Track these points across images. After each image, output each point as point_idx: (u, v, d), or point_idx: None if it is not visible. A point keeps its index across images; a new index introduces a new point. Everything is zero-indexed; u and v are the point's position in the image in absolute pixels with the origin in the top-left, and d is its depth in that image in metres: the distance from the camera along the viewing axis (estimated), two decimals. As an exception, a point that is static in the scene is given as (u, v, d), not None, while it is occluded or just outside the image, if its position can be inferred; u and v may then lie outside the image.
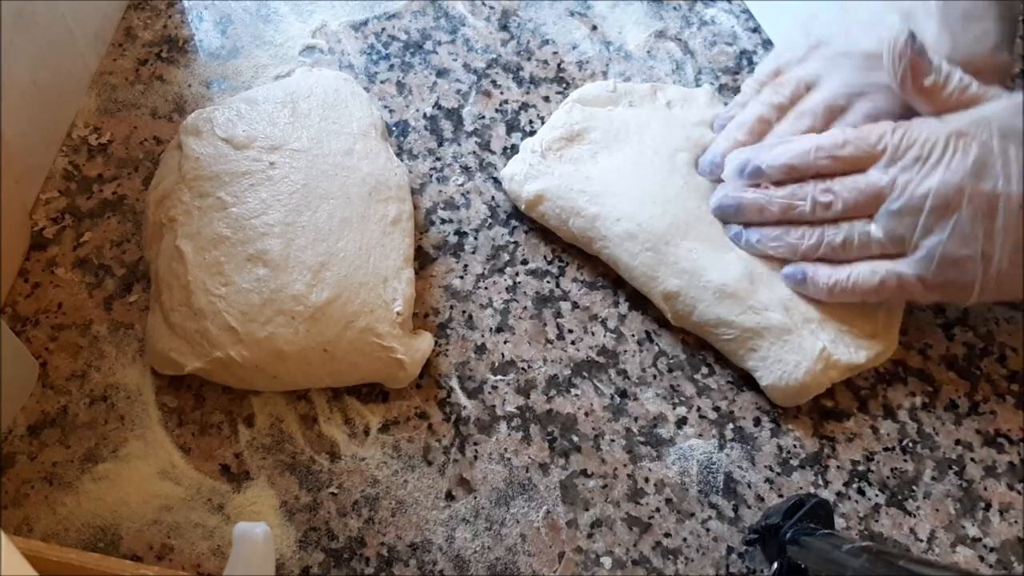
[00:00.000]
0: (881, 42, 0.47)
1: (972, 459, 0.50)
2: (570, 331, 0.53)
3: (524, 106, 0.60)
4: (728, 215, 0.52)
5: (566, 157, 0.55)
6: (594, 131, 0.55)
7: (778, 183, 0.50)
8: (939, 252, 0.45)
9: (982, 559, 0.47)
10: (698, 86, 0.62)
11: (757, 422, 0.50)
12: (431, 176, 0.58)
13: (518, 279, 0.54)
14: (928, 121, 0.47)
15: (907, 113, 0.48)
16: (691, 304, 0.50)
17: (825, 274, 0.49)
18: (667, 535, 0.47)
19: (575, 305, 0.54)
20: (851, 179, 0.48)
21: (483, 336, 0.53)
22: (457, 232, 0.56)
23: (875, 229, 0.47)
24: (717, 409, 0.51)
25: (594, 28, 0.63)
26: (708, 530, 0.48)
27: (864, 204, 0.47)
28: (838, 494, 0.49)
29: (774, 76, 0.53)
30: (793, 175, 0.49)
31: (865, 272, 0.48)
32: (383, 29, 0.63)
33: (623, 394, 0.51)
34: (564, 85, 0.61)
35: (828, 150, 0.48)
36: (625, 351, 0.52)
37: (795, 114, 0.51)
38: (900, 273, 0.47)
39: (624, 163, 0.54)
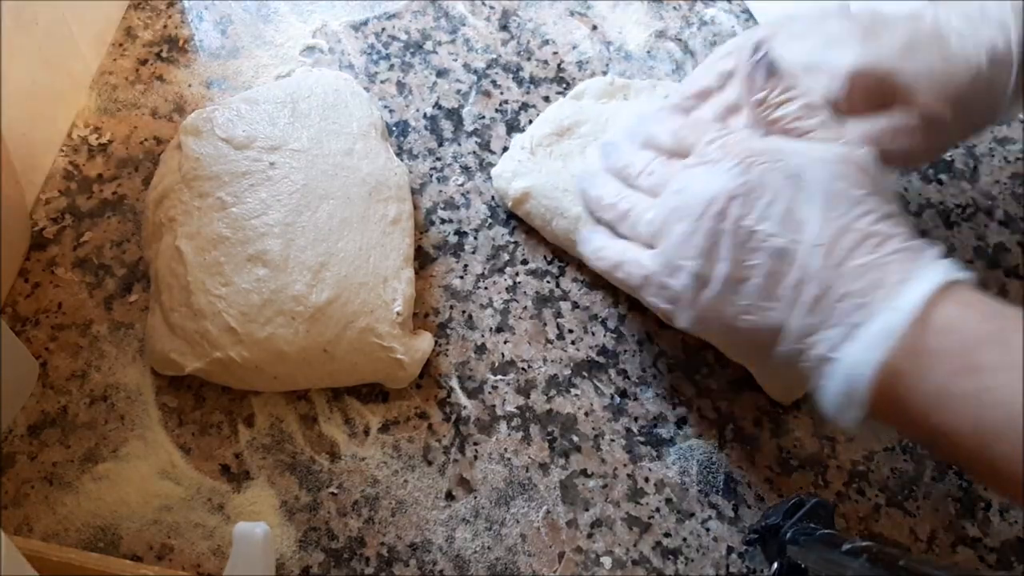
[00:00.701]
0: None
1: (972, 459, 0.50)
2: (570, 331, 0.53)
3: (524, 106, 0.60)
4: (603, 157, 0.51)
5: (555, 153, 0.54)
6: (584, 124, 0.55)
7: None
8: (667, 251, 0.43)
9: (982, 559, 0.47)
10: (698, 86, 0.61)
11: (757, 422, 0.50)
12: (431, 176, 0.58)
13: (518, 279, 0.54)
14: (748, 133, 0.44)
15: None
16: None
17: (594, 240, 0.48)
18: (667, 535, 0.48)
19: (575, 305, 0.54)
20: (671, 162, 0.46)
21: (483, 336, 0.53)
22: (457, 232, 0.56)
23: (650, 214, 0.45)
24: (717, 409, 0.51)
25: (594, 28, 0.63)
26: (708, 530, 0.48)
27: (659, 186, 0.45)
28: (838, 494, 0.49)
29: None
30: (650, 146, 0.48)
31: (618, 250, 0.46)
32: (383, 29, 0.63)
33: (623, 394, 0.51)
34: (564, 85, 0.61)
35: (670, 130, 0.47)
36: (625, 351, 0.52)
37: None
38: (640, 262, 0.45)
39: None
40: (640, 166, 0.47)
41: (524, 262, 0.55)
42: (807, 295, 0.39)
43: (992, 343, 0.36)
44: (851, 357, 0.37)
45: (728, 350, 0.45)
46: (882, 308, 0.37)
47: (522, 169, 0.54)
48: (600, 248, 0.48)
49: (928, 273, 0.37)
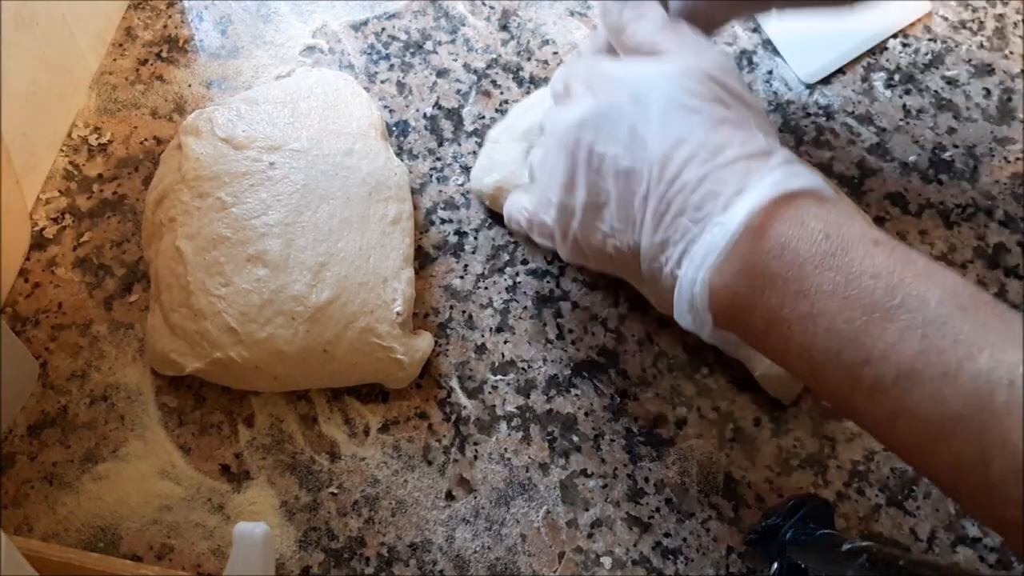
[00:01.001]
0: None
1: (972, 459, 0.50)
2: (570, 331, 0.53)
3: (524, 106, 0.60)
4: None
5: (518, 134, 0.54)
6: (548, 100, 0.54)
7: None
8: (539, 189, 0.44)
9: (982, 559, 0.47)
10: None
11: (757, 422, 0.50)
12: (431, 176, 0.58)
13: (518, 279, 0.54)
14: (603, 61, 0.44)
15: None
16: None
17: (506, 204, 0.50)
18: (667, 535, 0.48)
19: (575, 305, 0.54)
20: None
21: (483, 336, 0.53)
22: (457, 232, 0.56)
23: (535, 159, 0.45)
24: (717, 409, 0.51)
25: (594, 28, 0.63)
26: (708, 530, 0.48)
27: None
28: (838, 494, 0.49)
29: None
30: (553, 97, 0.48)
31: (511, 202, 0.49)
32: (383, 29, 0.63)
33: (623, 394, 0.51)
34: (564, 85, 0.61)
35: (560, 77, 0.46)
36: (625, 351, 0.52)
37: None
38: (523, 205, 0.47)
39: None
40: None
41: (524, 262, 0.55)
42: (649, 213, 0.38)
43: (823, 267, 0.34)
44: (687, 275, 0.37)
45: (618, 275, 0.45)
46: (713, 223, 0.36)
47: (490, 164, 0.54)
48: (508, 210, 0.49)
49: (760, 185, 0.36)
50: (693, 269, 0.37)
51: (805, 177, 0.37)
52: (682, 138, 0.38)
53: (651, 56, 0.42)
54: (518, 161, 0.53)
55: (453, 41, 0.63)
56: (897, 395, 0.32)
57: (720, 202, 0.36)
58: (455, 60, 0.62)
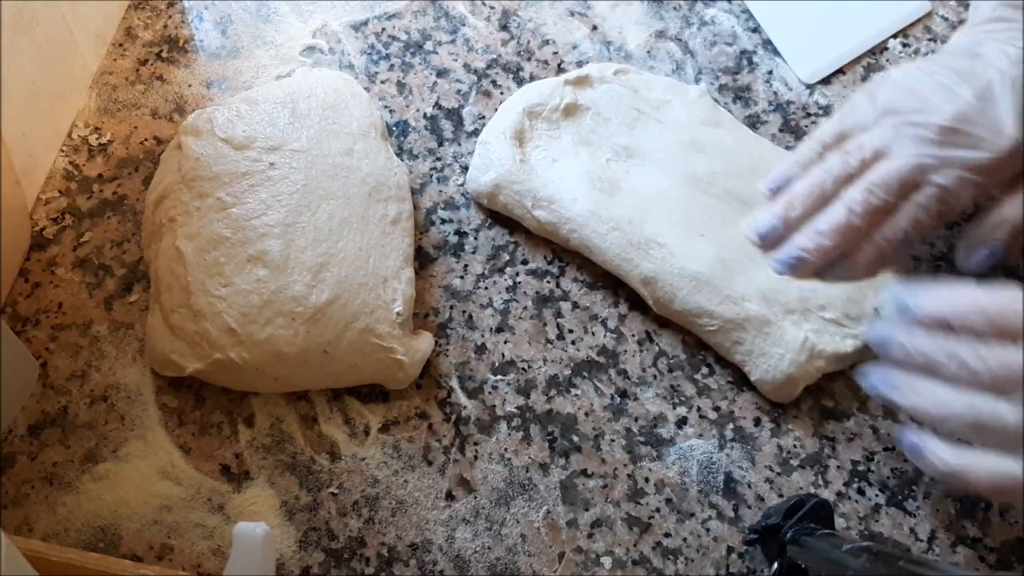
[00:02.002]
0: (956, 116, 0.44)
1: (972, 459, 0.50)
2: (570, 331, 0.53)
3: (524, 106, 0.60)
4: (878, 350, 0.44)
5: (509, 131, 0.55)
6: (546, 105, 0.56)
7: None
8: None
9: (982, 559, 0.47)
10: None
11: (757, 422, 0.51)
12: (431, 176, 0.58)
13: (518, 279, 0.54)
14: None
15: (977, 191, 0.44)
16: (670, 292, 0.50)
17: (946, 455, 0.41)
18: (667, 535, 0.48)
19: (575, 305, 0.54)
20: (1004, 352, 0.39)
21: (483, 336, 0.53)
22: (457, 232, 0.56)
23: (1013, 414, 0.39)
24: (717, 409, 0.51)
25: (594, 28, 0.63)
26: (708, 530, 0.48)
27: (1010, 383, 0.39)
28: (838, 494, 0.49)
29: (838, 140, 0.48)
30: (943, 327, 0.41)
31: (989, 465, 0.40)
32: (383, 29, 0.63)
33: (623, 394, 0.51)
34: (564, 85, 0.61)
35: (988, 312, 0.40)
36: (625, 351, 0.52)
37: (866, 185, 0.45)
38: (947, 457, 0.40)
39: (568, 143, 0.55)
40: (951, 359, 0.40)
41: (524, 262, 0.55)
42: None
43: None
44: None
45: None
46: None
47: (485, 164, 0.55)
48: (959, 470, 0.40)
49: None
50: None
51: None
52: None
53: None
54: (512, 158, 0.53)
55: (453, 41, 0.63)
56: None
57: None
58: (455, 60, 0.62)
